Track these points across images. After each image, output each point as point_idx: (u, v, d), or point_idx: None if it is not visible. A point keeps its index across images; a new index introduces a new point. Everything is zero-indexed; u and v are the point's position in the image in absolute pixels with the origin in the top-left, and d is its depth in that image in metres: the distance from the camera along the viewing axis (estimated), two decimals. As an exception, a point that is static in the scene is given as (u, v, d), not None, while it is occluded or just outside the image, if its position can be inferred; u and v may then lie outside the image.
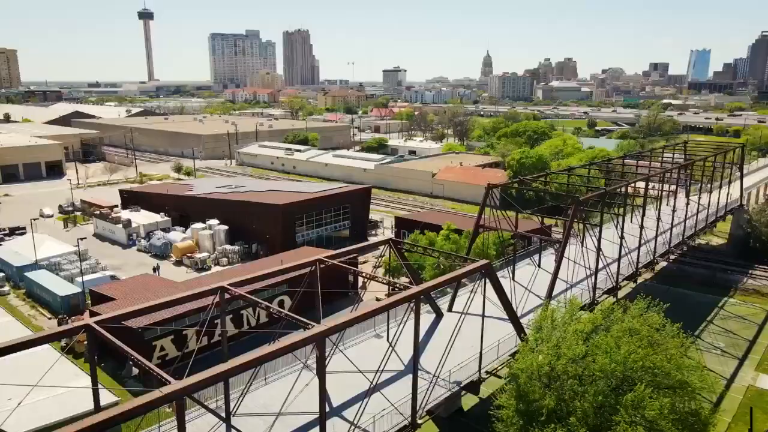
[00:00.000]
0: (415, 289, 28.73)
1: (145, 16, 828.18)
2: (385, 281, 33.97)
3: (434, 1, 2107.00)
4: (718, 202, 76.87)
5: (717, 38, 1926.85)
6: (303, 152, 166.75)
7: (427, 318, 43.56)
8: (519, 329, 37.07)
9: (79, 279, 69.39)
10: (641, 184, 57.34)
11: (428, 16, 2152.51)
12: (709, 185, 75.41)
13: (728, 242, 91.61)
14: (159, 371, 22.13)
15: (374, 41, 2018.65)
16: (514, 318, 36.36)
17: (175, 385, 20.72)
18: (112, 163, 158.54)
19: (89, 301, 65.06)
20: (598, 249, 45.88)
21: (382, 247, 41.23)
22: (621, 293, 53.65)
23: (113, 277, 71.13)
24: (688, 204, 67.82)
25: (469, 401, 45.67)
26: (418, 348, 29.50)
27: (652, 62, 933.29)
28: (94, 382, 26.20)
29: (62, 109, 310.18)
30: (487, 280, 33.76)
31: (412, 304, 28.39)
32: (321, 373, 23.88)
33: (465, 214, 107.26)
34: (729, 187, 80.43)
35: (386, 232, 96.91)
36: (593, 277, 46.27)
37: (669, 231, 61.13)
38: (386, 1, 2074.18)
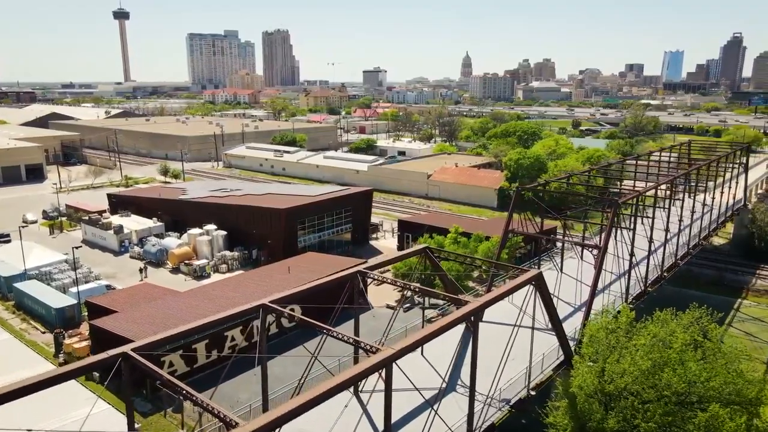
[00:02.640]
0: (473, 304, 26.48)
1: (121, 15, 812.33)
2: (440, 293, 31.64)
3: (412, 1, 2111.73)
4: (720, 203, 76.22)
5: (690, 40, 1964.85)
6: (292, 154, 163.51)
7: (457, 328, 41.42)
8: (564, 342, 35.09)
9: (72, 289, 65.69)
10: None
11: (407, 16, 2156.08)
12: (713, 185, 74.76)
13: (730, 242, 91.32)
14: (226, 413, 19.21)
15: (354, 42, 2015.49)
16: (559, 330, 34.35)
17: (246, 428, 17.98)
18: (95, 166, 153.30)
19: (85, 313, 61.60)
20: (632, 253, 44.24)
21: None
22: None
23: (109, 287, 67.58)
24: (694, 204, 66.93)
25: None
26: (476, 367, 27.20)
27: (627, 63, 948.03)
28: (131, 425, 22.89)
29: (38, 110, 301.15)
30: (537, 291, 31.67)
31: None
32: (388, 401, 21.50)
33: (468, 216, 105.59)
34: (736, 187, 79.94)
35: (387, 236, 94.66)
36: (621, 281, 44.69)
37: (688, 232, 59.95)
38: (365, 2, 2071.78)
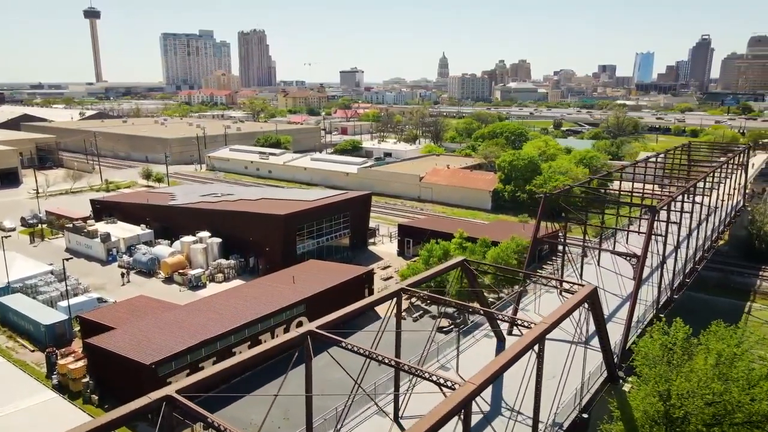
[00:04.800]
0: (541, 327, 24.23)
1: (92, 14, 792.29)
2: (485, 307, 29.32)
3: (388, 1, 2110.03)
4: (722, 204, 75.62)
5: (660, 41, 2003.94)
6: (278, 156, 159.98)
7: (488, 343, 39.27)
8: (610, 358, 33.15)
9: (61, 303, 61.88)
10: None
11: (382, 16, 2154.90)
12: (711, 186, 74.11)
13: (727, 242, 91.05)
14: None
15: (329, 42, 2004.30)
16: (606, 346, 32.39)
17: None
18: (73, 170, 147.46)
19: (76, 329, 57.85)
20: (663, 260, 42.65)
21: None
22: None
23: (101, 300, 63.80)
24: (701, 207, 66.08)
25: None
26: (540, 394, 24.97)
27: (600, 64, 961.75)
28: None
29: (9, 111, 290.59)
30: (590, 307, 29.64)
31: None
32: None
33: (465, 219, 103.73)
34: (737, 189, 79.51)
35: (385, 240, 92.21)
36: (647, 288, 43.08)
37: (701, 235, 58.86)
38: (340, 2, 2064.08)
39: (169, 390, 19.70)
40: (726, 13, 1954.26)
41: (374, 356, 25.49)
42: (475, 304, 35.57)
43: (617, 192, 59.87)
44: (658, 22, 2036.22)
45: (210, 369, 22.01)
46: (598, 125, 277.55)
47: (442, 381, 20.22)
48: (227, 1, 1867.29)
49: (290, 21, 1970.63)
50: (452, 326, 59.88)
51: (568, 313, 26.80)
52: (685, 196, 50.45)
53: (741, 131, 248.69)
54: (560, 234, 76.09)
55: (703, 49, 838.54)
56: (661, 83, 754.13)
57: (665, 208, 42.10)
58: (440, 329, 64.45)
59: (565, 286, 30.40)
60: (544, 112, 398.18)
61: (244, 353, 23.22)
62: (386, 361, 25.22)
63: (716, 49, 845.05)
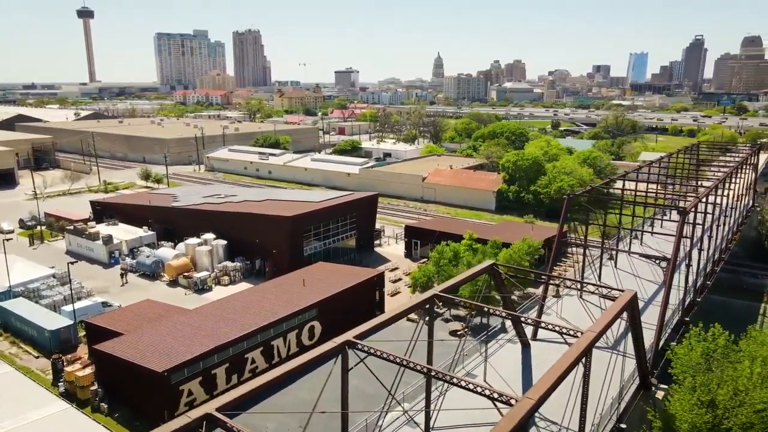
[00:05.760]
0: (588, 337, 23.02)
1: (85, 14, 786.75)
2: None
3: (382, 1, 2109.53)
4: (734, 205, 74.96)
5: (654, 42, 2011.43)
6: (278, 156, 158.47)
7: (512, 350, 38.13)
8: (644, 365, 32.07)
9: (65, 308, 60.33)
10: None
11: (377, 16, 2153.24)
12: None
13: (737, 243, 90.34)
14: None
15: (324, 42, 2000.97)
16: (642, 355, 31.30)
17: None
18: (71, 171, 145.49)
19: (82, 334, 56.36)
20: (689, 263, 41.63)
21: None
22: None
23: (105, 304, 62.20)
24: (714, 207, 65.27)
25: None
26: (586, 409, 23.79)
27: (594, 64, 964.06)
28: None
29: (3, 111, 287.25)
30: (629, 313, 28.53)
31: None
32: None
33: (471, 220, 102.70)
34: (747, 189, 78.87)
35: (390, 242, 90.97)
36: (672, 291, 41.98)
37: (718, 236, 58.01)
38: (334, 2, 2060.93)
39: (208, 408, 18.43)
40: (719, 13, 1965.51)
41: (409, 364, 24.40)
42: (499, 309, 34.49)
43: (634, 192, 58.79)
44: (652, 23, 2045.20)
45: (249, 384, 20.71)
46: (596, 125, 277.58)
47: (496, 396, 19.02)
48: (222, 0, 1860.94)
49: (285, 21, 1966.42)
50: (465, 330, 58.74)
51: (613, 321, 25.70)
52: (716, 196, 49.56)
53: (739, 131, 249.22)
54: (570, 236, 75.26)
55: (696, 50, 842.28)
56: (656, 83, 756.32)
57: (693, 209, 41.09)
58: (452, 333, 63.42)
59: (603, 290, 29.22)
60: (542, 112, 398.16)
61: (282, 366, 21.89)
62: (433, 373, 24.18)
63: (709, 50, 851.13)
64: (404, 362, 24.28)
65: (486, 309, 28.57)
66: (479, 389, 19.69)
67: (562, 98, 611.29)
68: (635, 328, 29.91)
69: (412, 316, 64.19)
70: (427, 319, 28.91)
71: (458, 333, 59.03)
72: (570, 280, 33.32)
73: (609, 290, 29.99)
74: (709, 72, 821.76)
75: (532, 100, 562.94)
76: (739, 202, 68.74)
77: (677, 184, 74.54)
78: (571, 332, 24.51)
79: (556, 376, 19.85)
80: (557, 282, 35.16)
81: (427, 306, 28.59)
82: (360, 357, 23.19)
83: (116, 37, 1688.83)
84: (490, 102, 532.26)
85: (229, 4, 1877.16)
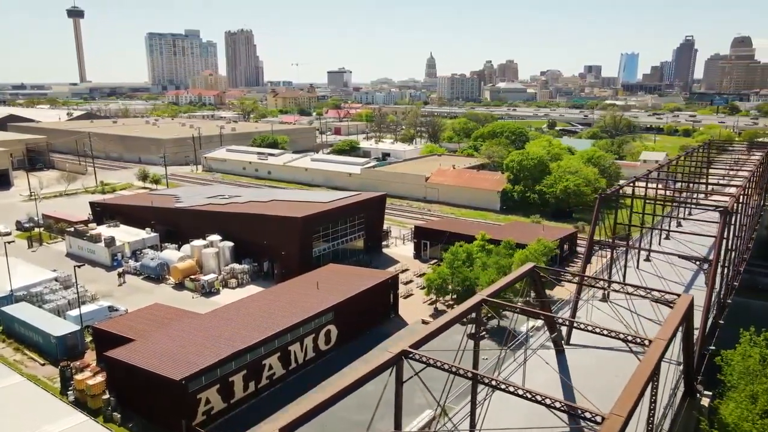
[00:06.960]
0: (659, 346, 21.61)
1: (75, 14, 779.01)
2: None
3: (375, 1, 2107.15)
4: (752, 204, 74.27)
5: (644, 42, 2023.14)
6: (277, 156, 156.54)
7: (547, 355, 36.73)
8: (690, 371, 30.79)
9: (70, 313, 58.39)
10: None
11: (369, 16, 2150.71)
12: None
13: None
14: None
15: (316, 42, 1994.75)
16: (690, 362, 29.99)
17: None
18: (67, 172, 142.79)
19: (88, 340, 54.42)
20: (723, 264, 40.43)
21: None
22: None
23: (111, 309, 60.29)
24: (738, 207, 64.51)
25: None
26: (654, 420, 22.41)
27: (586, 65, 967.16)
28: None
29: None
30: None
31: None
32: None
33: (477, 220, 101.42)
34: (757, 189, 78.05)
35: (398, 243, 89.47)
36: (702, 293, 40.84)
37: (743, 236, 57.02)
38: (326, 2, 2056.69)
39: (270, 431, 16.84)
40: (709, 14, 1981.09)
41: (459, 372, 23.06)
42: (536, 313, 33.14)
43: (663, 192, 57.74)
44: (642, 24, 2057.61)
45: (308, 402, 19.02)
46: (591, 125, 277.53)
47: (583, 413, 17.53)
48: (213, 1, 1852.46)
49: (277, 21, 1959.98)
50: (484, 333, 57.32)
51: (678, 328, 24.34)
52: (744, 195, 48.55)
53: (736, 131, 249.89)
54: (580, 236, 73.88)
55: (686, 50, 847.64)
56: (647, 84, 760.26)
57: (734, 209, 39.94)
58: (470, 336, 62.10)
59: (655, 294, 27.90)
60: (536, 111, 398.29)
61: (338, 382, 20.25)
62: (486, 380, 22.75)
63: (699, 50, 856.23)
64: (453, 369, 22.97)
65: (537, 313, 27.11)
66: (564, 407, 18.21)
67: (555, 98, 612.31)
68: (688, 333, 28.61)
69: (426, 318, 63.00)
70: (472, 324, 27.38)
71: (477, 336, 57.54)
72: (616, 282, 31.90)
73: (662, 294, 28.66)
74: (699, 72, 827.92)
75: (526, 100, 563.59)
76: (758, 201, 67.83)
77: (698, 182, 73.44)
78: (638, 340, 23.09)
79: (638, 391, 18.46)
80: (604, 285, 33.72)
81: (473, 313, 26.99)
82: (415, 368, 21.67)
83: (107, 37, 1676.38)
84: (484, 102, 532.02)
85: (221, 4, 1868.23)
